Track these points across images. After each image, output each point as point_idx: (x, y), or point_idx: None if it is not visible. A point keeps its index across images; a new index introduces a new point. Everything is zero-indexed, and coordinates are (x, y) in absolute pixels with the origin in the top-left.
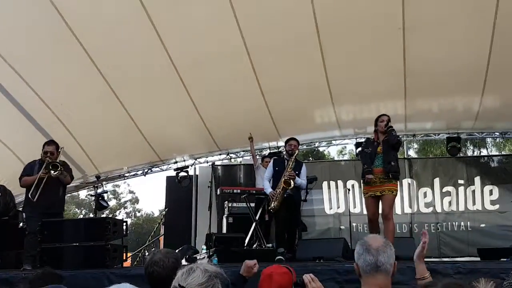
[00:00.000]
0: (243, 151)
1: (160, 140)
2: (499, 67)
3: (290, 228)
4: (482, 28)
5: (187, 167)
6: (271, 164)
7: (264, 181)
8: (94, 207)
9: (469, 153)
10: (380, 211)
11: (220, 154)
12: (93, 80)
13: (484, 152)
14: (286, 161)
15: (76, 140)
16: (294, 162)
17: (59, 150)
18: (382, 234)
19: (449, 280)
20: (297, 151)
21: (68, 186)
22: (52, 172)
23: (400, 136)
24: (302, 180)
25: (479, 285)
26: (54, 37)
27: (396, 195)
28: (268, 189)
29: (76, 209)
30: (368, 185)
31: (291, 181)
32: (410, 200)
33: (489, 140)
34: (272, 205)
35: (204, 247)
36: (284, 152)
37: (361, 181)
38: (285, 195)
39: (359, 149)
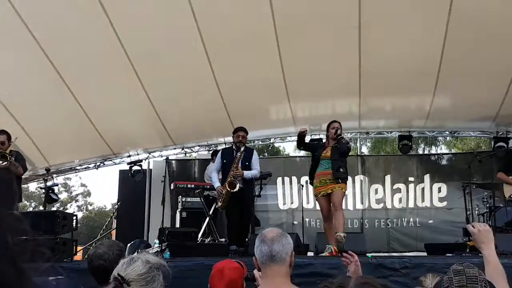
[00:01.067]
0: (198, 146)
1: (113, 133)
2: (450, 69)
3: (242, 223)
4: (435, 30)
5: (141, 161)
6: (219, 155)
7: (212, 173)
8: (44, 200)
9: (420, 151)
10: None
11: (174, 149)
12: (43, 70)
13: (434, 150)
14: (235, 152)
15: (25, 131)
16: (243, 154)
17: (11, 140)
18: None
19: (363, 278)
20: (245, 142)
21: None
22: (0, 162)
23: (350, 144)
24: (253, 172)
25: (426, 280)
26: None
27: (345, 192)
28: (216, 183)
29: (26, 202)
30: (317, 187)
31: (236, 183)
32: (362, 196)
33: (439, 138)
34: (219, 204)
35: (157, 241)
36: (233, 143)
37: (309, 182)
38: (234, 190)
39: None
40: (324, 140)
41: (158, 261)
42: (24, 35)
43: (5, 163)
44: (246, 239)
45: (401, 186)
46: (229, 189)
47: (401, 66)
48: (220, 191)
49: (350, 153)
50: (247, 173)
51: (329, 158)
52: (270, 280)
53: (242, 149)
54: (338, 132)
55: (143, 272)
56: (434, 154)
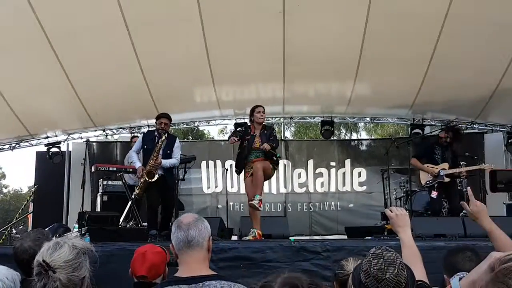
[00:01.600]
0: (120, 128)
1: (30, 114)
2: (371, 57)
3: (164, 207)
4: (356, 18)
5: (59, 142)
6: (141, 138)
7: (131, 154)
8: None
9: (342, 136)
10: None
11: (95, 131)
12: None
13: (355, 136)
14: (157, 138)
15: None
16: (165, 141)
17: None
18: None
19: (288, 275)
20: (167, 132)
21: None
22: None
23: (273, 136)
24: (171, 161)
25: (348, 264)
26: None
27: (271, 167)
28: (137, 163)
29: None
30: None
31: (155, 173)
32: (285, 180)
33: (360, 124)
34: (136, 191)
35: (76, 225)
36: (156, 128)
37: (237, 171)
38: (152, 180)
39: (237, 132)
40: (249, 124)
41: (85, 245)
42: None
43: None
44: (170, 223)
45: (323, 170)
46: (147, 179)
47: (324, 52)
48: (141, 174)
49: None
50: (165, 162)
51: (258, 148)
52: (187, 266)
53: (164, 137)
54: (263, 116)
55: (70, 259)
56: (354, 140)
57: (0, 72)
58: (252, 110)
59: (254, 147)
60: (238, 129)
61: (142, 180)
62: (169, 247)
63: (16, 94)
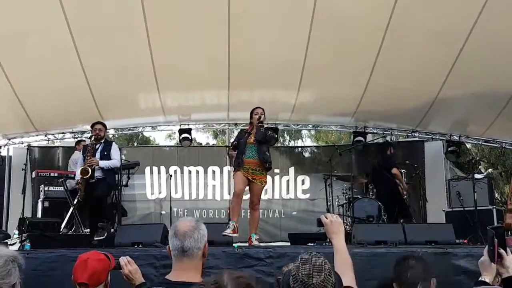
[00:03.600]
0: (63, 132)
1: None
2: (314, 65)
3: (91, 211)
4: (300, 27)
5: (0, 147)
6: (80, 153)
7: (77, 169)
8: None
9: (286, 143)
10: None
11: (37, 135)
12: None
13: (299, 143)
14: (94, 145)
15: None
16: (101, 145)
17: None
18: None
19: (232, 273)
20: (103, 137)
21: None
22: None
23: (272, 133)
24: (111, 161)
25: (288, 269)
26: None
27: (264, 186)
28: (78, 176)
29: None
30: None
31: (89, 168)
32: (229, 187)
33: (304, 132)
34: (80, 196)
35: (17, 231)
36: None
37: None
38: (86, 177)
39: (234, 142)
40: (244, 128)
41: (12, 253)
42: None
43: None
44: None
45: (268, 178)
46: (81, 176)
47: (268, 60)
48: (79, 185)
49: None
50: (103, 163)
51: (253, 144)
52: (179, 272)
53: (93, 137)
54: (261, 118)
55: None
56: (298, 147)
57: None
58: (251, 112)
59: (249, 141)
60: (233, 142)
61: (79, 185)
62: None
63: None
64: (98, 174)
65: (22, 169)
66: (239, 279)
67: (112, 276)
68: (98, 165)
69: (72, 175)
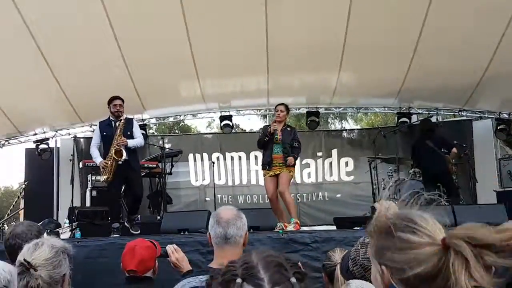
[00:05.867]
0: (99, 121)
1: (18, 111)
2: (354, 46)
3: (133, 197)
4: (339, 6)
5: (48, 139)
6: (97, 129)
7: (92, 148)
8: None
9: (328, 127)
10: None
11: (82, 126)
12: None
13: (342, 126)
14: (113, 123)
15: None
16: (124, 124)
17: None
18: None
19: (266, 253)
20: (124, 115)
21: None
22: None
23: (297, 144)
24: (137, 140)
25: (335, 255)
26: None
27: (293, 175)
28: (98, 158)
29: None
30: (267, 169)
31: (123, 151)
32: None
33: (346, 114)
34: (105, 177)
35: (67, 221)
36: (110, 114)
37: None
38: (119, 162)
39: (261, 140)
40: (268, 124)
41: (63, 244)
42: None
43: None
44: (138, 217)
45: (310, 161)
46: (116, 158)
47: (307, 42)
48: (104, 165)
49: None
50: (131, 142)
51: (279, 142)
52: (221, 259)
53: (122, 118)
54: (282, 116)
55: (50, 257)
56: (341, 130)
57: None
58: (274, 109)
59: (276, 141)
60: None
61: (109, 163)
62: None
63: (3, 92)
64: (123, 154)
65: (70, 160)
66: (269, 257)
67: (160, 264)
68: (127, 145)
69: None
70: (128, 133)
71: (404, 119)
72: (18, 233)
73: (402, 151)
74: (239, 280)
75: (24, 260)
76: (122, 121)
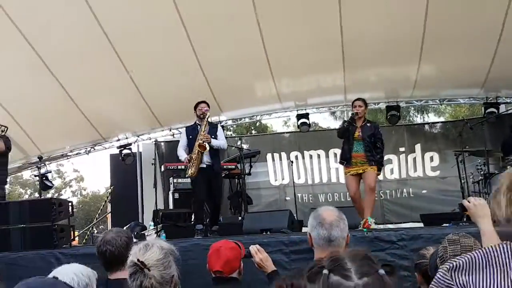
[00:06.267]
0: (185, 126)
1: (101, 118)
2: (435, 36)
3: (213, 202)
4: None
5: (130, 144)
6: (184, 133)
7: (178, 150)
8: (39, 187)
9: (409, 121)
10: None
11: (162, 130)
12: (27, 59)
13: (425, 119)
14: (198, 126)
15: (15, 121)
16: (208, 126)
17: (2, 126)
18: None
19: (354, 250)
20: (208, 114)
21: (10, 167)
22: None
23: (380, 145)
24: (220, 141)
25: (428, 253)
26: None
27: (379, 174)
28: (183, 156)
29: (21, 190)
30: (349, 166)
31: (206, 144)
32: None
33: (430, 107)
34: (189, 172)
35: (152, 223)
36: (196, 118)
37: (340, 163)
38: (203, 166)
39: (341, 128)
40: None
41: (169, 247)
42: (7, 25)
43: None
44: (220, 218)
45: (392, 157)
46: (200, 150)
47: (384, 35)
48: (189, 159)
49: None
50: (214, 141)
51: (359, 140)
52: None
53: (207, 117)
54: (359, 112)
55: (161, 258)
56: (424, 124)
57: (71, 82)
58: (352, 104)
59: (356, 137)
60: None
61: (194, 156)
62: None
63: (87, 101)
64: (206, 159)
65: (152, 164)
66: (355, 251)
67: (245, 264)
68: (210, 142)
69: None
70: (213, 136)
71: (492, 109)
72: (108, 240)
73: (491, 143)
74: (325, 271)
75: (138, 260)
76: (207, 118)
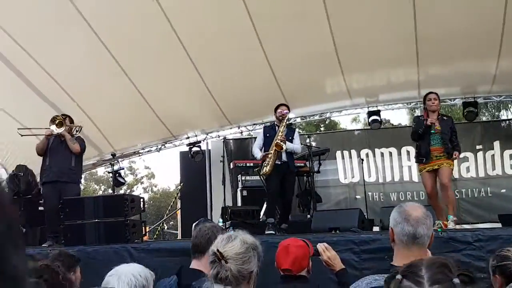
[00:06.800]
0: (254, 124)
1: (172, 117)
2: None
3: (284, 199)
4: None
5: (199, 142)
6: (261, 132)
7: (254, 148)
8: (112, 184)
9: (487, 117)
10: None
11: (231, 128)
12: (101, 58)
13: (503, 115)
14: (277, 127)
15: (90, 119)
16: (286, 128)
17: (77, 126)
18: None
19: (435, 257)
20: (287, 116)
21: (85, 164)
22: (55, 128)
23: (455, 140)
24: (295, 145)
25: (509, 254)
26: (60, 16)
27: (453, 169)
28: (258, 154)
29: (95, 186)
30: (423, 163)
31: (283, 144)
32: None
33: (508, 102)
34: (264, 170)
35: (220, 220)
36: (275, 120)
37: (416, 160)
38: (278, 162)
39: (414, 128)
40: (420, 115)
41: (254, 241)
42: (81, 25)
43: (61, 129)
44: (289, 217)
45: (469, 154)
46: (276, 149)
47: (460, 29)
48: (264, 157)
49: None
50: (289, 144)
51: (437, 133)
52: (406, 258)
53: (286, 118)
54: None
55: (241, 252)
56: (503, 120)
57: (143, 81)
58: (424, 98)
59: (434, 132)
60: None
61: (270, 154)
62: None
63: (158, 99)
64: (283, 156)
65: (220, 161)
66: (434, 259)
67: (313, 262)
68: (286, 143)
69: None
70: (290, 138)
71: None
72: (199, 228)
73: None
74: (398, 276)
75: (217, 250)
76: (286, 120)
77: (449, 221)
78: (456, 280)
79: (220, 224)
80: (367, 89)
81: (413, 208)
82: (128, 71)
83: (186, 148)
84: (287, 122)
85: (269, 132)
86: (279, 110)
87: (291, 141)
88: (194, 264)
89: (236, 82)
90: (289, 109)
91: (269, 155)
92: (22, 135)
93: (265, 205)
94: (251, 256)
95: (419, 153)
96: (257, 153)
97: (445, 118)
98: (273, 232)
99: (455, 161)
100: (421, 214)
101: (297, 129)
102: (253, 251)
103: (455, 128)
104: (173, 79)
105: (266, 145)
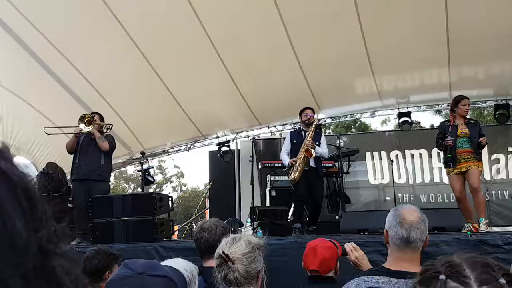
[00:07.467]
0: (283, 124)
1: (201, 116)
2: None
3: (313, 202)
4: None
5: (229, 141)
6: (288, 137)
7: (282, 154)
8: (141, 182)
9: None
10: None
11: (260, 128)
12: (133, 59)
13: None
14: (303, 132)
15: (121, 118)
16: (314, 131)
17: (107, 125)
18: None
19: (470, 255)
20: (316, 121)
21: (114, 163)
22: (84, 126)
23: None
24: (323, 149)
25: None
26: (93, 16)
27: (482, 170)
28: (286, 160)
29: (125, 184)
30: (451, 167)
31: (312, 150)
32: None
33: None
34: (292, 176)
35: (249, 219)
36: (300, 123)
37: (444, 166)
38: (306, 168)
39: (438, 136)
40: (445, 120)
41: (258, 241)
42: (114, 26)
43: (89, 127)
44: (317, 219)
45: (500, 156)
46: (306, 155)
47: (494, 28)
48: (293, 162)
49: None
50: (318, 149)
51: (466, 136)
52: (399, 261)
53: (314, 123)
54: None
55: (247, 252)
56: None
57: (174, 81)
58: (457, 102)
59: (462, 135)
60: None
61: (299, 161)
62: (338, 240)
63: (188, 99)
64: (312, 162)
65: (249, 161)
66: (474, 257)
67: (341, 263)
68: (314, 148)
69: None
70: (317, 142)
71: None
72: (205, 228)
73: None
74: (442, 277)
75: (223, 252)
76: (314, 125)
77: (481, 224)
78: (502, 281)
79: (248, 224)
80: (398, 90)
81: (409, 211)
82: (159, 70)
83: (215, 148)
84: (317, 123)
85: (296, 138)
86: (304, 114)
87: (318, 145)
88: (211, 263)
89: (266, 82)
90: (314, 112)
91: (298, 161)
92: (48, 134)
93: (293, 205)
94: (256, 256)
95: (446, 158)
96: (285, 159)
97: (472, 121)
98: (298, 235)
99: (486, 163)
100: (416, 218)
101: (323, 133)
102: (258, 251)
103: (483, 132)
104: (204, 79)
105: (292, 151)
